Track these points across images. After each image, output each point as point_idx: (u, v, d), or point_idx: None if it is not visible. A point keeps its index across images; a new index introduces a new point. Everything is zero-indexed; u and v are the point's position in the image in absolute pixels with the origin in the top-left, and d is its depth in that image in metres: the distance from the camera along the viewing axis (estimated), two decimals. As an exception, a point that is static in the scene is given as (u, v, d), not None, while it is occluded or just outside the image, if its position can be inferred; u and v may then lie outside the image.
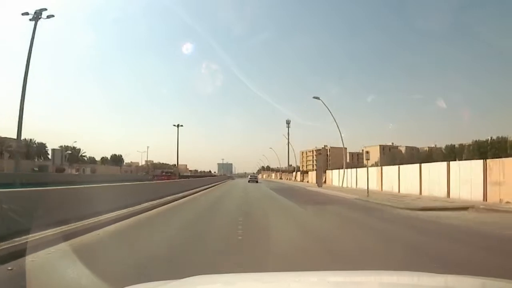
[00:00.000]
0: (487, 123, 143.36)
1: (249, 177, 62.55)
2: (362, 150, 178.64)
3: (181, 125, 67.16)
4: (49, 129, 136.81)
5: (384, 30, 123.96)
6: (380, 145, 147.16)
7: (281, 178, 78.17)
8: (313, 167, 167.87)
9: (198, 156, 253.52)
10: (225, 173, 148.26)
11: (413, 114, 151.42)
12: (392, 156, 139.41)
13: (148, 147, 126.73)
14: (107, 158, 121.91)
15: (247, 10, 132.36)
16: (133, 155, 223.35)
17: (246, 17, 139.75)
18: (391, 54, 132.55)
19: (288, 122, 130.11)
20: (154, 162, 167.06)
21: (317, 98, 39.38)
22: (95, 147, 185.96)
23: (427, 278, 2.05)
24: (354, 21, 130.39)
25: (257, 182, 53.76)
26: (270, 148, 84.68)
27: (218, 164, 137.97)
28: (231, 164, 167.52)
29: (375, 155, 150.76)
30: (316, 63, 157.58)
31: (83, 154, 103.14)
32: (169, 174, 78.99)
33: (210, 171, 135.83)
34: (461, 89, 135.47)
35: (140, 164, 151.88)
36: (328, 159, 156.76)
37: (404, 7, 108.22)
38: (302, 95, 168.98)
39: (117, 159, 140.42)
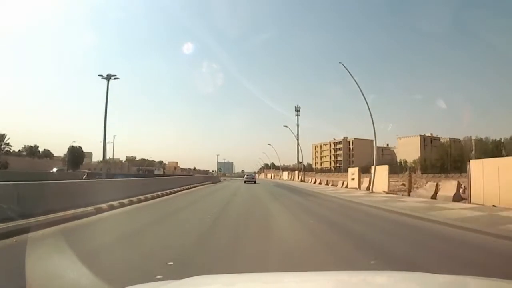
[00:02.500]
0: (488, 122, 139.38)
1: (245, 176, 49.05)
2: (387, 144, 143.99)
3: (115, 77, 33.87)
4: (51, 132, 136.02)
5: (385, 29, 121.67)
6: (420, 136, 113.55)
7: (302, 181, 44.66)
8: (330, 163, 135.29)
9: (198, 155, 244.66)
10: (225, 172, 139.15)
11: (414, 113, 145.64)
12: (440, 149, 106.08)
13: (114, 136, 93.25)
14: (38, 147, 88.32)
15: (247, 10, 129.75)
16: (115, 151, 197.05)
17: (246, 17, 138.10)
18: (392, 53, 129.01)
19: (297, 110, 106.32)
20: (137, 158, 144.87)
21: (286, 126, 42.33)
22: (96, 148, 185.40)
23: (428, 278, 2.01)
24: (354, 21, 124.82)
25: (254, 182, 43.38)
26: (285, 126, 52.03)
27: (219, 163, 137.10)
28: (232, 163, 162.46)
29: (411, 148, 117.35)
30: (317, 63, 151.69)
31: (6, 142, 69.52)
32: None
33: (193, 169, 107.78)
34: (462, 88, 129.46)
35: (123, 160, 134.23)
36: (350, 153, 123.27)
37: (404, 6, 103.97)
38: (303, 94, 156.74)
39: (76, 153, 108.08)
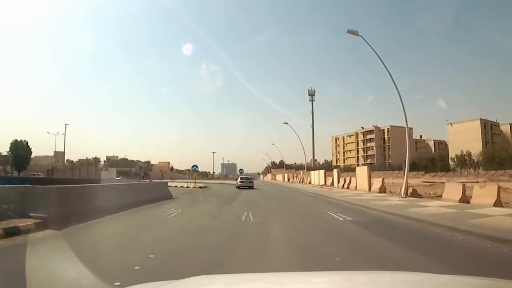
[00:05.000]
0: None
1: (238, 180, 32.61)
2: (420, 136, 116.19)
3: None
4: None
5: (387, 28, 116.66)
6: (480, 120, 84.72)
7: (411, 195, 15.85)
8: (358, 159, 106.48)
9: (200, 156, 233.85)
10: (227, 173, 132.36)
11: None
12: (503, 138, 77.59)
13: (66, 125, 66.79)
14: None
15: (247, 10, 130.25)
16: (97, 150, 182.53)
17: (246, 17, 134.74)
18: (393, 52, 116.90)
19: (311, 94, 79.76)
20: (119, 158, 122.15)
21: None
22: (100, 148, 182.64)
23: (427, 278, 2.01)
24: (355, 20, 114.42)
25: (252, 187, 30.73)
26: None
27: (222, 164, 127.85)
28: (235, 164, 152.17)
29: (468, 137, 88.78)
30: (318, 62, 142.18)
31: None
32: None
33: (171, 169, 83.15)
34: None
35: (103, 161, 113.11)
36: (385, 146, 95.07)
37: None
38: (304, 94, 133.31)
39: (21, 150, 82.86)
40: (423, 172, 78.08)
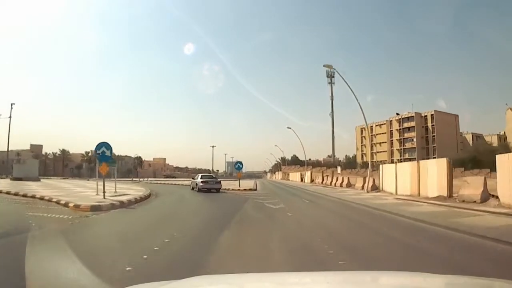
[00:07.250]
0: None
1: (199, 179, 24.60)
2: (464, 132, 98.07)
3: None
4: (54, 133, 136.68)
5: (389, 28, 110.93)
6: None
7: None
8: (392, 153, 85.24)
9: (207, 155, 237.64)
10: (232, 171, 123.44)
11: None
12: None
13: (12, 104, 48.47)
14: None
15: (249, 11, 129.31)
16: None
17: (248, 18, 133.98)
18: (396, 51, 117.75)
19: (330, 75, 73.83)
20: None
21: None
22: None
23: (427, 278, 2.02)
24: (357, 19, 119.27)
25: (218, 191, 23.81)
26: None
27: (226, 162, 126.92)
28: (241, 161, 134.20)
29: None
30: (319, 61, 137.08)
31: None
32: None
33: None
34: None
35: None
36: (429, 137, 74.90)
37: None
38: (305, 94, 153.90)
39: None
40: (488, 170, 58.60)
